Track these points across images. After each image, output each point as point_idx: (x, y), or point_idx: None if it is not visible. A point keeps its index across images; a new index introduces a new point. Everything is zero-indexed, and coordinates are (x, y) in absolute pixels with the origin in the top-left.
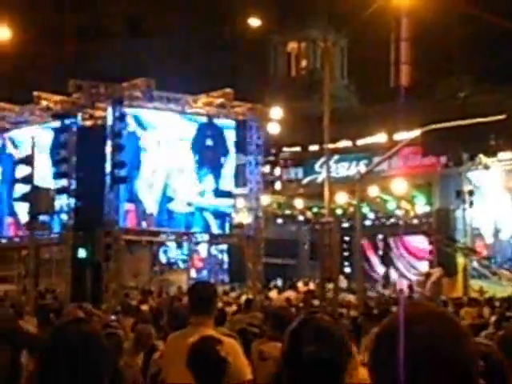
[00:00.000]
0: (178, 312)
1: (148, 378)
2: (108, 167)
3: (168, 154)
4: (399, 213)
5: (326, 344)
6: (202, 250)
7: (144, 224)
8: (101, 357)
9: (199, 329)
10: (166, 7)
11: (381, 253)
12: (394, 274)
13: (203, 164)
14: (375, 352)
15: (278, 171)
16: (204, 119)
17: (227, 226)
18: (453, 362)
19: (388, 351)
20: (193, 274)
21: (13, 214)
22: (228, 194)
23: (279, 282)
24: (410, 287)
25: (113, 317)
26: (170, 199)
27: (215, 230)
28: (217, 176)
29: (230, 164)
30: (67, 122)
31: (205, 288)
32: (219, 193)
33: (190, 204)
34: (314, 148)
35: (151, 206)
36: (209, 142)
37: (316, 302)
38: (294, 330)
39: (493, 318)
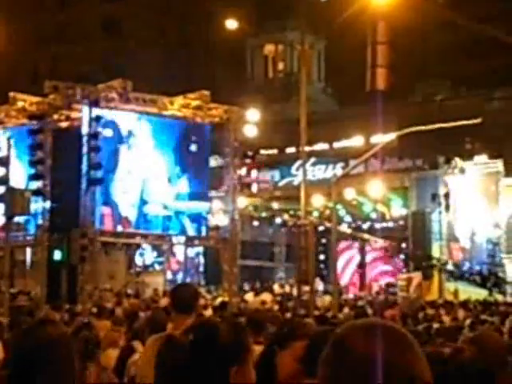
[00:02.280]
0: (157, 315)
1: (126, 380)
2: (84, 169)
3: (143, 156)
4: (375, 215)
5: None
6: (179, 252)
7: (120, 227)
8: (65, 360)
9: (180, 330)
10: (143, 8)
11: (357, 256)
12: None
13: (178, 166)
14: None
15: (254, 173)
16: (176, 122)
17: (203, 228)
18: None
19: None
20: (169, 276)
21: None
22: (203, 197)
23: (257, 284)
24: (387, 286)
25: (86, 320)
26: (146, 202)
27: (191, 232)
28: (192, 178)
29: (205, 166)
30: (43, 123)
31: (186, 289)
32: (194, 195)
33: (165, 207)
34: (290, 150)
35: (127, 208)
36: (180, 145)
37: (291, 305)
38: None
39: (467, 321)
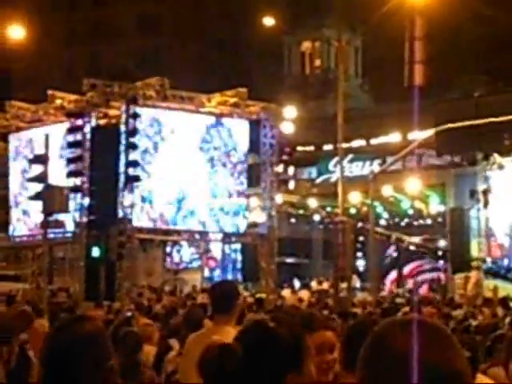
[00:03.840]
0: (194, 312)
1: (163, 377)
2: (122, 166)
3: (180, 153)
4: (413, 212)
5: None
6: (216, 249)
7: (157, 223)
8: (101, 355)
9: (220, 328)
10: (179, 5)
11: (394, 253)
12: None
13: (215, 163)
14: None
15: (291, 170)
16: (213, 119)
17: (241, 225)
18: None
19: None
20: (206, 273)
21: (26, 212)
22: (242, 194)
23: (297, 283)
24: (416, 286)
25: (129, 313)
26: (183, 198)
27: (229, 229)
28: (230, 175)
29: (243, 163)
30: (81, 120)
31: (226, 287)
32: (233, 192)
33: (203, 203)
34: (327, 147)
35: (164, 205)
36: (218, 142)
37: (330, 302)
38: None
39: (507, 319)
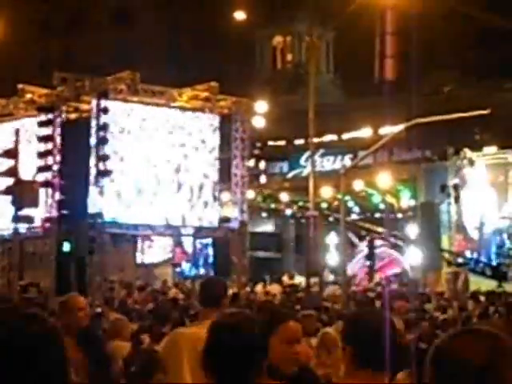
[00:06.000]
0: (162, 306)
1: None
2: (92, 160)
3: (149, 146)
4: (384, 207)
5: None
6: (187, 243)
7: (129, 217)
8: (57, 357)
9: (208, 321)
10: (153, 1)
11: (365, 248)
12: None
13: (184, 158)
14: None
15: (262, 165)
16: (187, 113)
17: (212, 219)
18: None
19: None
20: (177, 268)
21: None
22: (210, 188)
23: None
24: (387, 280)
25: (99, 309)
26: (154, 193)
27: (200, 223)
28: (198, 169)
29: (214, 158)
30: (52, 115)
31: (215, 283)
32: (201, 186)
33: (175, 198)
34: (299, 142)
35: (135, 199)
36: (187, 136)
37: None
38: None
39: (476, 312)
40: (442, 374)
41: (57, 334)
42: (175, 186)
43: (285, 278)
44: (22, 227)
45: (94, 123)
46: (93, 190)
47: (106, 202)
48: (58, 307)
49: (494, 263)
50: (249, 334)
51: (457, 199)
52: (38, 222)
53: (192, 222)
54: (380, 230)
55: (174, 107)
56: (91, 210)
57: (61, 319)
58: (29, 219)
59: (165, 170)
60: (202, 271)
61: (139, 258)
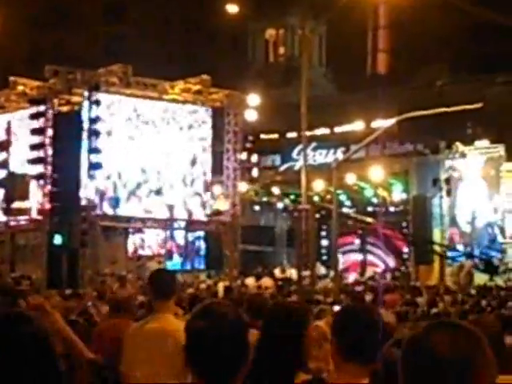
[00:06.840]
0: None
1: None
2: (84, 153)
3: (141, 139)
4: (376, 200)
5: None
6: (179, 236)
7: (120, 210)
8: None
9: (159, 315)
10: None
11: (358, 241)
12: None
13: (178, 150)
14: None
15: (255, 158)
16: (180, 105)
17: (204, 212)
18: None
19: None
20: (169, 261)
21: None
22: (204, 181)
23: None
24: (384, 273)
25: (89, 303)
26: (146, 186)
27: (192, 216)
28: (192, 163)
29: (206, 151)
30: (43, 107)
31: (164, 275)
32: (195, 180)
33: (166, 191)
34: (291, 135)
35: (128, 193)
36: (178, 129)
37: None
38: None
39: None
40: (415, 366)
41: (44, 333)
42: (167, 179)
43: (277, 272)
44: (14, 220)
45: (85, 116)
46: (84, 183)
47: (98, 194)
48: None
49: (485, 257)
50: (232, 326)
51: (449, 193)
52: (29, 215)
53: (184, 215)
54: (370, 220)
55: (166, 100)
56: (83, 202)
57: None
58: (21, 212)
59: (156, 163)
60: (194, 264)
61: (131, 251)
